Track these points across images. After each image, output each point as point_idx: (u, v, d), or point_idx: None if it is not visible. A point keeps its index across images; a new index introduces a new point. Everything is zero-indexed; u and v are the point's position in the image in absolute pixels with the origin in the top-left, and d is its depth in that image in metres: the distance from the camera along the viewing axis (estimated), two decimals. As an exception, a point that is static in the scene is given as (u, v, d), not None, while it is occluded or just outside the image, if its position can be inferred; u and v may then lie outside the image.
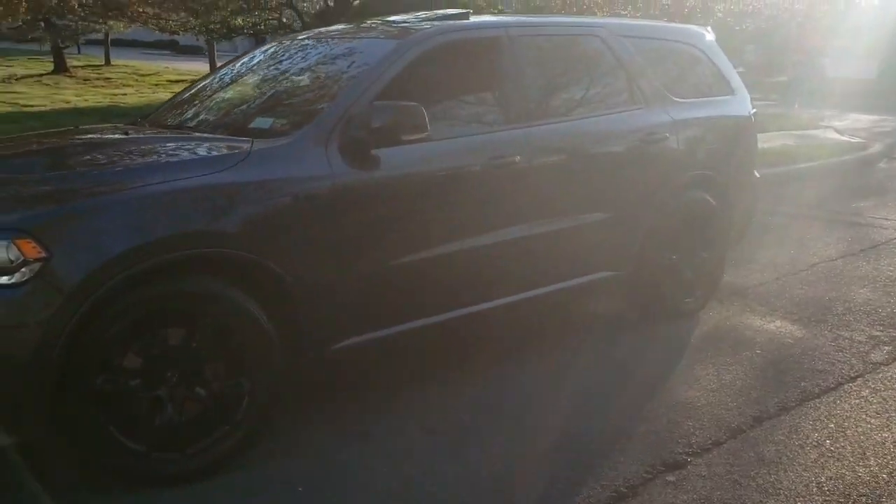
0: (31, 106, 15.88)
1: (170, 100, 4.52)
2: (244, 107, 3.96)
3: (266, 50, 4.61)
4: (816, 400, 3.90)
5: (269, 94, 4.02)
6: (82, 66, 26.45)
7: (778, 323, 4.92)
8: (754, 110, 5.48)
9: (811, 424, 3.65)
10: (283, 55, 4.42)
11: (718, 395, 3.90)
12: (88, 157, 3.27)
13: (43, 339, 2.74)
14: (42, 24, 23.69)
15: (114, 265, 2.83)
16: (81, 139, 3.68)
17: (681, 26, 5.51)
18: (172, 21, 17.79)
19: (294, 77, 4.11)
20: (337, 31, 4.60)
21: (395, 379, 4.01)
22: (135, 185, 2.97)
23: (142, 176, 3.04)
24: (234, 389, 3.15)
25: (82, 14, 19.81)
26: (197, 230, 3.02)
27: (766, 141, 12.08)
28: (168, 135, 3.69)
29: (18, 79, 22.33)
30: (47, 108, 15.72)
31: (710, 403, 3.82)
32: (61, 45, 24.96)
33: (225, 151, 3.26)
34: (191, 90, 4.46)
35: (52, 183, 2.98)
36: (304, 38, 4.47)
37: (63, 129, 4.41)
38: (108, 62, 27.98)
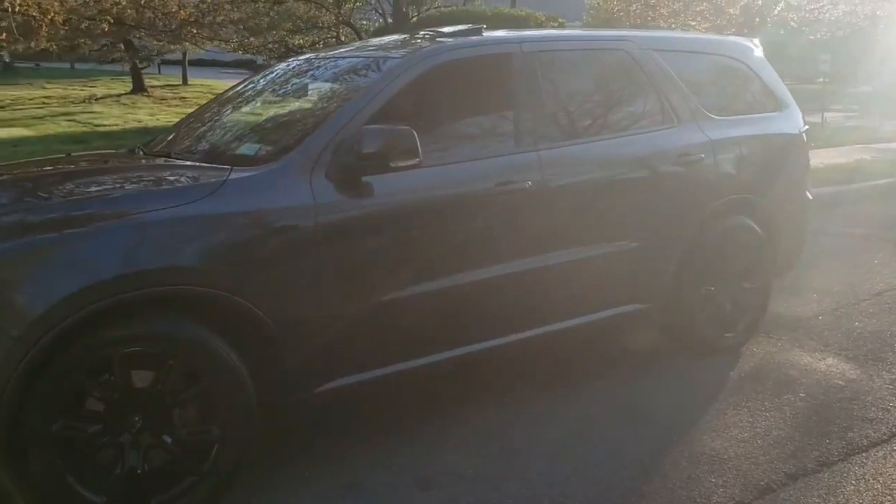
0: (104, 125, 16.29)
1: (176, 124, 4.38)
2: (238, 132, 3.78)
3: (279, 69, 4.44)
4: (863, 454, 3.47)
5: (264, 117, 3.84)
6: (161, 86, 27.14)
7: (830, 361, 4.48)
8: (806, 127, 5.04)
9: (854, 484, 3.23)
10: (295, 74, 4.24)
11: (749, 447, 3.51)
12: (55, 188, 3.13)
13: (-8, 384, 2.58)
14: (122, 45, 24.50)
15: (68, 305, 2.65)
16: (58, 169, 3.56)
17: (722, 38, 5.13)
18: (233, 42, 18.07)
19: (295, 99, 3.93)
20: (360, 47, 4.37)
21: (390, 423, 3.73)
22: (93, 220, 2.81)
23: (102, 209, 2.88)
24: (202, 437, 2.95)
25: (138, 37, 20.28)
26: (159, 267, 2.83)
27: (842, 155, 11.45)
28: (145, 164, 3.54)
29: (98, 99, 23.06)
30: (119, 127, 16.10)
31: (739, 456, 3.43)
32: (139, 66, 25.72)
33: (197, 182, 3.08)
34: (200, 113, 4.31)
35: (8, 217, 2.83)
36: (322, 56, 4.27)
37: (54, 156, 4.33)
38: (185, 82, 28.65)
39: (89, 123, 16.60)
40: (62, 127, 16.01)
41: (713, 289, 4.50)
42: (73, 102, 22.19)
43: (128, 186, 3.12)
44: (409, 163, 3.23)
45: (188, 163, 3.45)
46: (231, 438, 2.97)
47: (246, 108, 4.07)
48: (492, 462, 3.39)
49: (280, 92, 4.10)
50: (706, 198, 4.35)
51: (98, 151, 4.40)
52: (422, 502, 3.11)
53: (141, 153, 3.90)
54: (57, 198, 3.02)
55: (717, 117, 4.50)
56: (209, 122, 4.03)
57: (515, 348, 3.80)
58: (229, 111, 4.11)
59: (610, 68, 4.27)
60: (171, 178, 3.20)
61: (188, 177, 3.16)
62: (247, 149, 3.46)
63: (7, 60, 28.66)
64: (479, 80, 3.81)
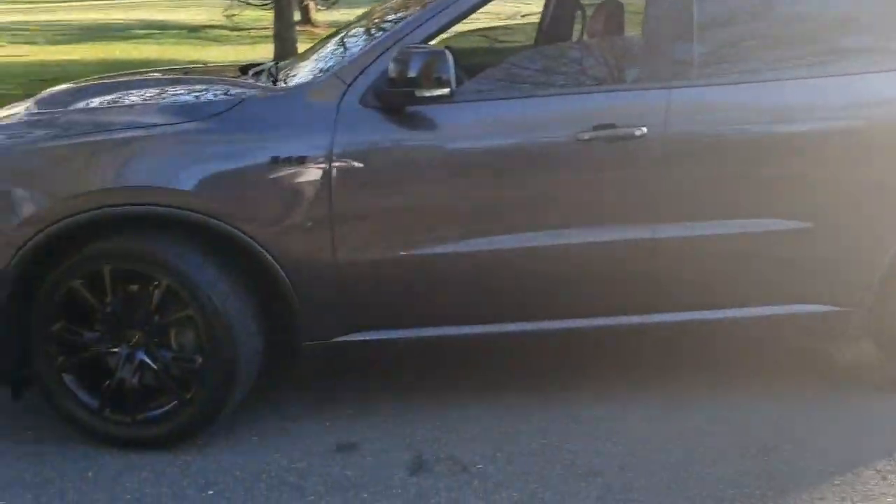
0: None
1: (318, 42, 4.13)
2: (326, 53, 3.44)
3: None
4: None
5: (359, 36, 3.47)
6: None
7: None
8: None
9: None
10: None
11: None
12: (106, 95, 3.16)
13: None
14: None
15: (61, 207, 2.72)
16: (140, 78, 3.60)
17: None
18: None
19: (400, 18, 3.48)
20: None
21: (417, 392, 3.31)
22: (102, 130, 2.82)
23: (116, 120, 2.88)
24: (185, 365, 2.87)
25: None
26: (146, 185, 2.75)
27: None
28: (209, 78, 3.43)
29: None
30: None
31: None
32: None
33: (213, 100, 2.91)
34: (336, 32, 4.02)
35: (44, 117, 2.96)
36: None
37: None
38: None
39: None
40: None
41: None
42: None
43: (157, 100, 3.07)
44: (436, 93, 2.70)
45: (243, 80, 3.27)
46: (214, 372, 2.83)
47: (361, 28, 3.70)
48: (512, 463, 2.82)
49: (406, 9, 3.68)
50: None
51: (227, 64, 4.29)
52: (400, 485, 2.70)
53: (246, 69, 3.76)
54: (97, 105, 3.06)
55: None
56: (327, 42, 3.75)
57: (600, 334, 3.08)
58: (351, 30, 3.77)
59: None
60: (203, 95, 3.07)
61: (215, 95, 3.01)
62: (307, 68, 3.19)
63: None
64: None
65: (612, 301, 3.04)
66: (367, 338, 2.98)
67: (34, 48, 14.54)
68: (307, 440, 2.98)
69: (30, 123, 2.93)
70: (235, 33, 16.57)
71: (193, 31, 17.22)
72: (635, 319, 3.07)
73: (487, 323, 3.01)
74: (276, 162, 2.77)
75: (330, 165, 2.78)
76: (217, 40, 15.99)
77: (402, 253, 2.88)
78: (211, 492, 2.68)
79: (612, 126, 2.88)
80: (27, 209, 2.74)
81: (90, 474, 2.78)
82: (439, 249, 2.88)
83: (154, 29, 17.65)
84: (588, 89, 3.00)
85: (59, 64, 12.17)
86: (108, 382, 2.88)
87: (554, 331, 3.03)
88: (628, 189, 2.93)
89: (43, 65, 12.13)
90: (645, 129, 2.87)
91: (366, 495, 2.66)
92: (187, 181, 2.74)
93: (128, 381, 2.87)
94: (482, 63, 3.17)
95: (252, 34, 16.26)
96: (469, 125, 2.88)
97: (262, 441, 2.98)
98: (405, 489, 2.68)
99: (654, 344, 3.34)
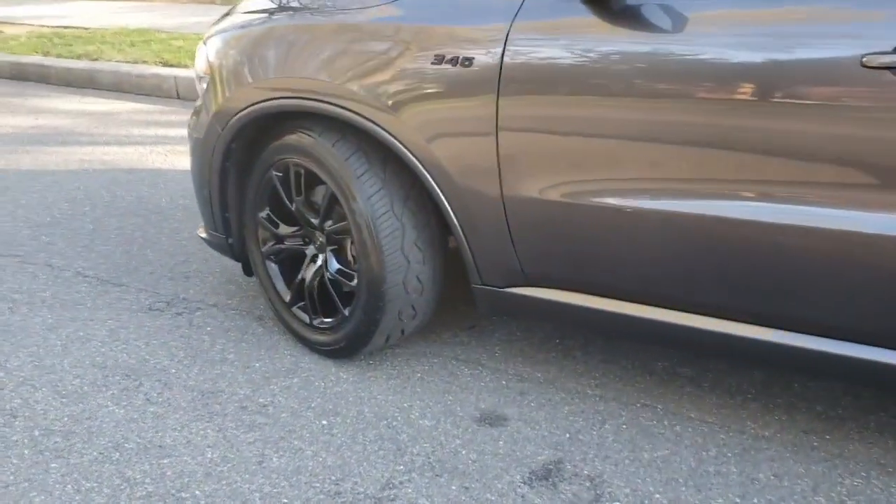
0: None
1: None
2: None
3: None
4: None
5: None
6: None
7: None
8: None
9: None
10: None
11: None
12: None
13: (207, 157, 2.82)
14: None
15: (244, 99, 2.63)
16: None
17: None
18: None
19: None
20: None
21: (593, 376, 2.56)
22: (270, 20, 2.63)
23: (295, 9, 2.65)
24: (346, 279, 2.61)
25: None
26: (309, 76, 2.46)
27: None
28: None
29: None
30: None
31: None
32: None
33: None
34: None
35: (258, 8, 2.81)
36: None
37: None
38: None
39: None
40: None
41: None
42: None
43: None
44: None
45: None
46: (362, 292, 2.53)
47: None
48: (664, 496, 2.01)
49: None
50: None
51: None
52: (498, 493, 2.11)
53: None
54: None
55: None
56: None
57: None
58: None
59: None
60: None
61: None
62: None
63: None
64: None
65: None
66: (544, 297, 2.35)
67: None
68: (461, 396, 2.53)
69: (255, 6, 2.84)
70: None
71: None
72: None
73: (691, 313, 2.12)
74: (439, 62, 2.23)
75: (501, 71, 2.14)
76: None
77: (583, 198, 2.13)
78: (325, 422, 2.44)
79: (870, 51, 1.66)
80: (225, 89, 2.70)
81: (257, 364, 2.76)
82: (637, 203, 2.06)
83: None
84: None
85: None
86: (295, 280, 2.78)
87: (796, 350, 2.00)
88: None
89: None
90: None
91: (454, 488, 2.14)
92: (345, 77, 2.38)
93: (308, 282, 2.73)
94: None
95: None
96: (706, 30, 1.94)
97: (420, 382, 2.62)
98: (499, 501, 2.09)
99: None
